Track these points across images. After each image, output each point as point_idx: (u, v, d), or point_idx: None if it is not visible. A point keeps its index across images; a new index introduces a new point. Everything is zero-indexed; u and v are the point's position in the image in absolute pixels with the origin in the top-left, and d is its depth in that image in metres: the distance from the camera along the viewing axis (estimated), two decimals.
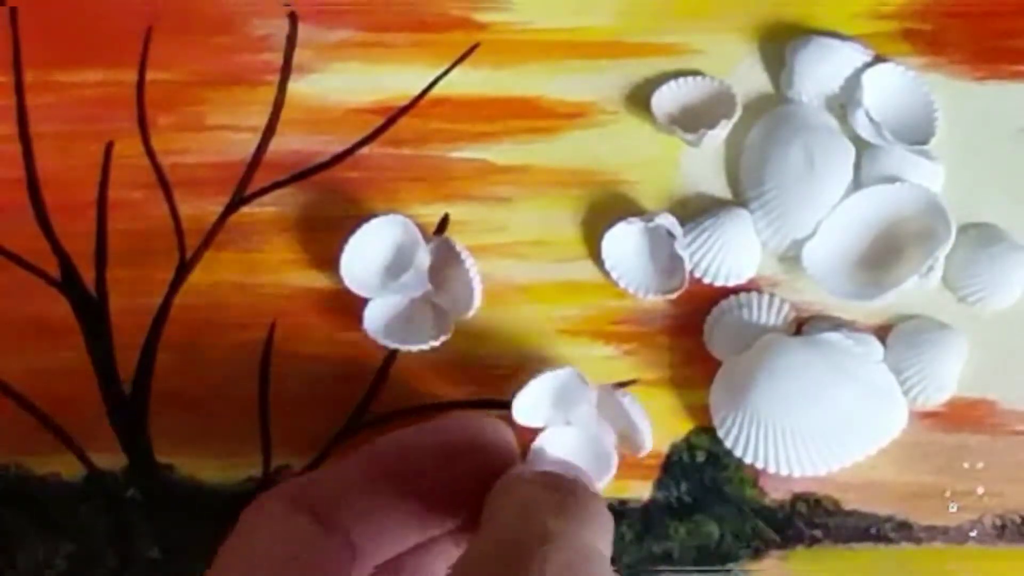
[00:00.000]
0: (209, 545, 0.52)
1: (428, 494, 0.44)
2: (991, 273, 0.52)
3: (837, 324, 0.53)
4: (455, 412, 0.52)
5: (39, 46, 0.55)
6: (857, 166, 0.53)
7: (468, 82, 0.55)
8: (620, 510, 0.53)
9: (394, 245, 0.53)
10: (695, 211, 0.54)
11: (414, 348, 0.53)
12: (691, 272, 0.53)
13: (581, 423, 0.52)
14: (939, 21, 0.54)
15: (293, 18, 0.55)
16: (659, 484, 0.53)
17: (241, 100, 0.55)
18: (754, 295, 0.53)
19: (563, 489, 0.43)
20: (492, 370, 0.53)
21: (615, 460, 0.52)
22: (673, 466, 0.53)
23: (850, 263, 0.53)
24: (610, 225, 0.53)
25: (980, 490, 0.53)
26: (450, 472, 0.44)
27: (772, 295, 0.53)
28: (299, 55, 0.55)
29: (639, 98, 0.54)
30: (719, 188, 0.54)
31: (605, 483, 0.52)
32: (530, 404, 0.52)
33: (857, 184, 0.53)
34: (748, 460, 0.52)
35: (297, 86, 0.55)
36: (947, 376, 0.52)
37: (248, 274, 0.54)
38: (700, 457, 0.53)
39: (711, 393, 0.53)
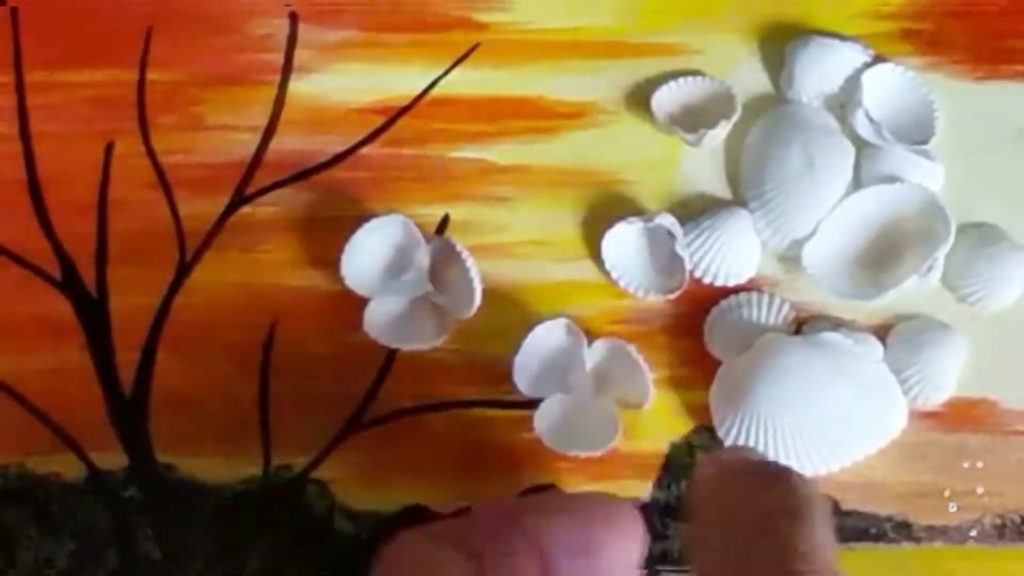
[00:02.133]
0: (209, 545, 0.52)
1: None
2: (991, 273, 0.53)
3: (837, 324, 0.53)
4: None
5: (40, 46, 0.55)
6: (857, 166, 0.53)
7: (468, 82, 0.55)
8: None
9: (394, 245, 0.53)
10: (695, 211, 0.54)
11: (414, 347, 0.53)
12: (691, 272, 0.53)
13: (579, 388, 0.52)
14: (939, 21, 0.54)
15: (294, 18, 0.55)
16: (659, 484, 0.53)
17: (242, 100, 0.55)
18: (754, 295, 0.53)
19: (792, 488, 0.43)
20: (492, 370, 0.53)
21: (619, 424, 0.52)
22: (673, 466, 0.53)
23: (850, 263, 0.53)
24: (610, 225, 0.53)
25: (980, 490, 0.53)
26: None
27: (772, 295, 0.53)
28: (300, 55, 0.55)
29: (639, 98, 0.54)
30: (719, 188, 0.54)
31: (610, 447, 0.52)
32: (528, 366, 0.52)
33: (857, 184, 0.53)
34: None
35: (297, 86, 0.55)
36: (947, 376, 0.52)
37: (248, 274, 0.54)
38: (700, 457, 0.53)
39: (711, 393, 0.53)
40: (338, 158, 0.55)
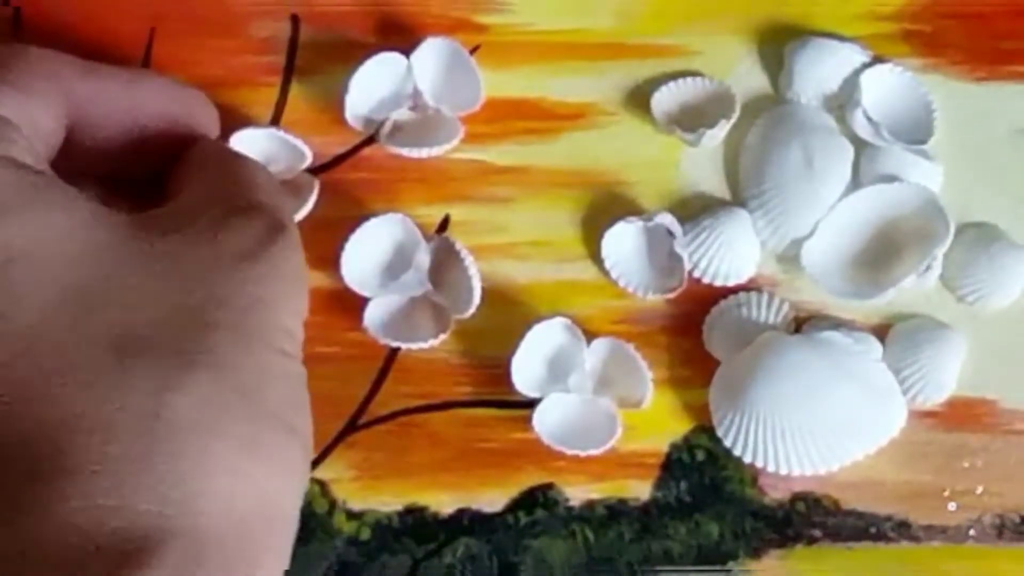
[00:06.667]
0: None
1: (114, 148, 0.47)
2: (990, 272, 0.53)
3: (836, 323, 0.53)
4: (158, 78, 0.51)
5: (42, 47, 0.55)
6: (856, 166, 0.53)
7: None
8: (620, 510, 0.53)
9: (394, 244, 0.53)
10: (694, 211, 0.54)
11: (414, 347, 0.53)
12: (690, 272, 0.53)
13: (578, 388, 0.52)
14: (938, 22, 0.54)
15: (295, 20, 0.55)
16: (659, 484, 0.53)
17: (243, 102, 0.55)
18: (753, 294, 0.53)
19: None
20: (492, 370, 0.53)
21: (619, 421, 0.52)
22: (673, 466, 0.53)
23: (849, 262, 0.53)
24: (610, 225, 0.53)
25: (979, 489, 0.53)
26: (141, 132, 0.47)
27: (771, 294, 0.53)
28: (301, 57, 0.55)
29: (639, 98, 0.54)
30: (718, 188, 0.54)
31: (612, 445, 0.52)
32: (527, 366, 0.52)
33: (856, 184, 0.53)
34: (747, 459, 0.52)
35: (299, 88, 0.55)
36: (946, 375, 0.52)
37: None
38: (700, 456, 0.53)
39: (710, 392, 0.53)
40: (338, 158, 0.55)
